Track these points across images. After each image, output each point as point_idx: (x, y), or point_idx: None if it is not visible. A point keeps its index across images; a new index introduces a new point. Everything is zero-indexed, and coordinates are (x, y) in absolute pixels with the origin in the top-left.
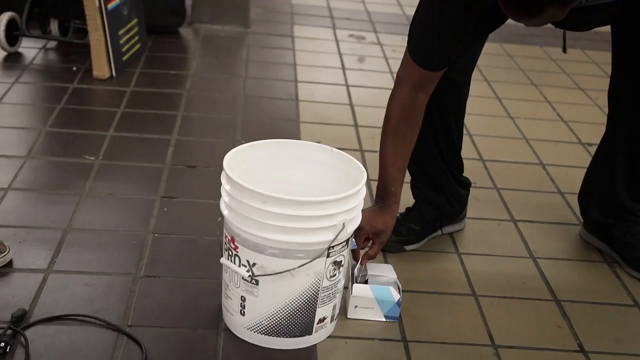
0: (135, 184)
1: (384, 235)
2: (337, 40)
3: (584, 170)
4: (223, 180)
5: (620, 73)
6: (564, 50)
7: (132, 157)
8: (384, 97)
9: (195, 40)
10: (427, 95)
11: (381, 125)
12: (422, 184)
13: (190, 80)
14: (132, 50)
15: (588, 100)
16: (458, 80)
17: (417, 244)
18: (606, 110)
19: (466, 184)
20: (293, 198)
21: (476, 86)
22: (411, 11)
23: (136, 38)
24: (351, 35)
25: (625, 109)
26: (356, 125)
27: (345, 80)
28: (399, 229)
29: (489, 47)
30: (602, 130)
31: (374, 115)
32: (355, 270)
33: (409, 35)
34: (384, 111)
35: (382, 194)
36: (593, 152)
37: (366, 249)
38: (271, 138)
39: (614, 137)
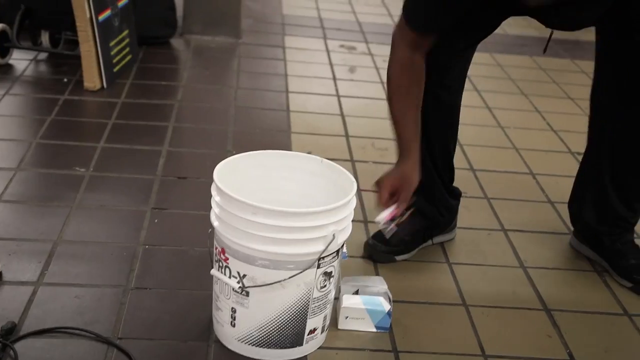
0: (126, 196)
1: (408, 184)
2: (328, 51)
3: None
4: (213, 191)
5: (607, 74)
6: (544, 51)
7: (122, 169)
8: (375, 108)
9: (186, 51)
10: (422, 56)
11: (372, 135)
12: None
13: (182, 91)
14: (123, 62)
15: (578, 110)
16: (452, 87)
17: (407, 254)
18: None
19: (457, 194)
20: (283, 209)
21: (466, 96)
22: None
23: (127, 49)
24: (342, 46)
25: (608, 112)
26: (347, 136)
27: (337, 90)
28: (389, 240)
29: (478, 57)
30: None
31: (365, 125)
32: (381, 222)
33: None
34: (375, 121)
35: (399, 155)
36: None
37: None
38: (262, 149)
39: (599, 142)
